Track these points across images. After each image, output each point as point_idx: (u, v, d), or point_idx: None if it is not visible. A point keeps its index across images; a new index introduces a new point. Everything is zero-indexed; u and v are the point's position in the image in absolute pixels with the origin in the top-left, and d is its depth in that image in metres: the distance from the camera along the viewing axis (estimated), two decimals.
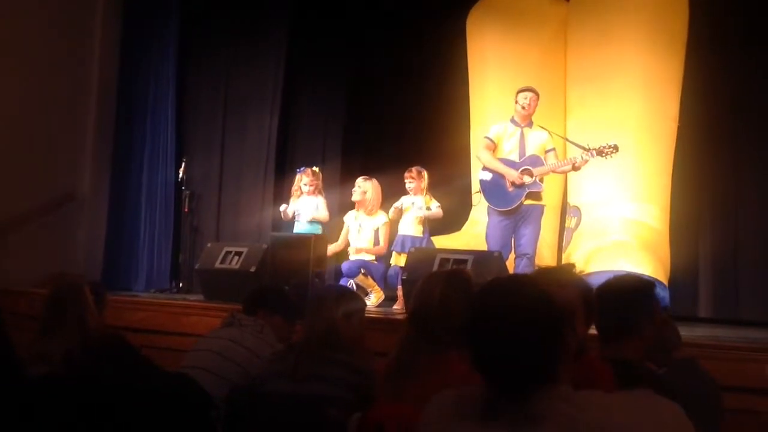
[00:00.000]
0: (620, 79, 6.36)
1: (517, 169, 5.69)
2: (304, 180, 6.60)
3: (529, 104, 5.75)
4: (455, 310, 2.49)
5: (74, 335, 3.13)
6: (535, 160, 5.71)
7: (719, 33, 6.54)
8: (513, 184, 5.68)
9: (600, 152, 5.58)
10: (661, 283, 5.78)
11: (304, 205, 6.58)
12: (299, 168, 6.80)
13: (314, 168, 6.76)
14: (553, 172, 5.81)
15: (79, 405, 2.06)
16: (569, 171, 5.84)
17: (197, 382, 2.47)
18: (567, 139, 5.89)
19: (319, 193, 6.66)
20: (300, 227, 6.56)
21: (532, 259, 5.67)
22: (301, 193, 6.63)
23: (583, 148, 5.66)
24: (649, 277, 5.58)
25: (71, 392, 2.11)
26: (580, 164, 5.65)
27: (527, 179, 5.66)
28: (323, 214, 6.58)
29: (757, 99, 6.58)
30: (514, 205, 5.70)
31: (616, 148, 5.55)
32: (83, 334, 3.13)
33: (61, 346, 2.87)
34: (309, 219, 6.52)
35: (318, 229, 6.51)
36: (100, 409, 2.06)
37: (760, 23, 6.45)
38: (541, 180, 5.70)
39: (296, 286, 5.28)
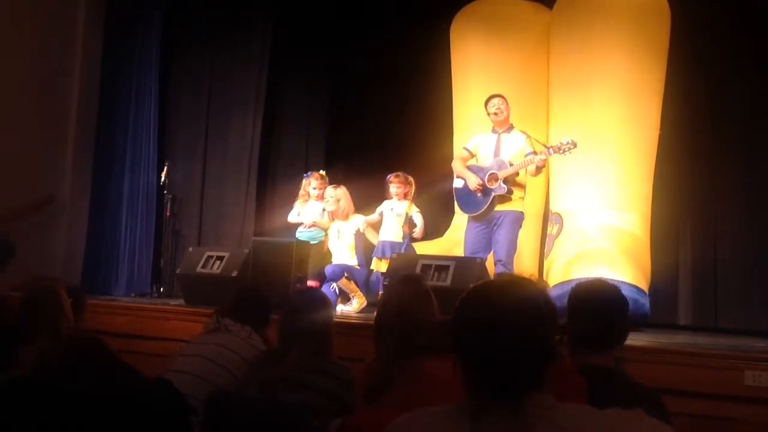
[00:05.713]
0: (602, 87, 6.37)
1: (485, 174, 5.70)
2: (312, 184, 6.60)
3: (499, 109, 5.78)
4: (415, 316, 2.51)
5: (47, 339, 3.10)
6: (501, 164, 5.72)
7: (701, 42, 6.58)
8: (476, 189, 5.69)
9: (558, 149, 5.58)
10: (641, 290, 5.81)
11: (310, 210, 6.58)
12: (305, 173, 6.83)
13: (321, 172, 6.77)
14: (518, 172, 5.71)
15: (51, 410, 2.04)
16: (534, 172, 5.74)
17: (176, 388, 2.46)
18: (529, 136, 5.85)
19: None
20: (303, 232, 6.56)
21: (507, 265, 5.66)
22: (309, 197, 6.63)
23: (543, 146, 5.68)
24: (630, 284, 5.61)
25: (43, 397, 2.09)
26: (539, 163, 5.63)
27: (493, 183, 5.66)
28: (327, 220, 6.58)
29: (739, 108, 6.62)
30: (481, 209, 5.71)
31: (573, 144, 5.55)
32: (57, 339, 3.10)
33: (33, 351, 2.85)
34: (310, 224, 6.53)
35: (322, 235, 6.52)
36: (73, 415, 2.04)
37: (742, 33, 6.51)
38: (507, 182, 5.64)
39: (277, 290, 5.26)
